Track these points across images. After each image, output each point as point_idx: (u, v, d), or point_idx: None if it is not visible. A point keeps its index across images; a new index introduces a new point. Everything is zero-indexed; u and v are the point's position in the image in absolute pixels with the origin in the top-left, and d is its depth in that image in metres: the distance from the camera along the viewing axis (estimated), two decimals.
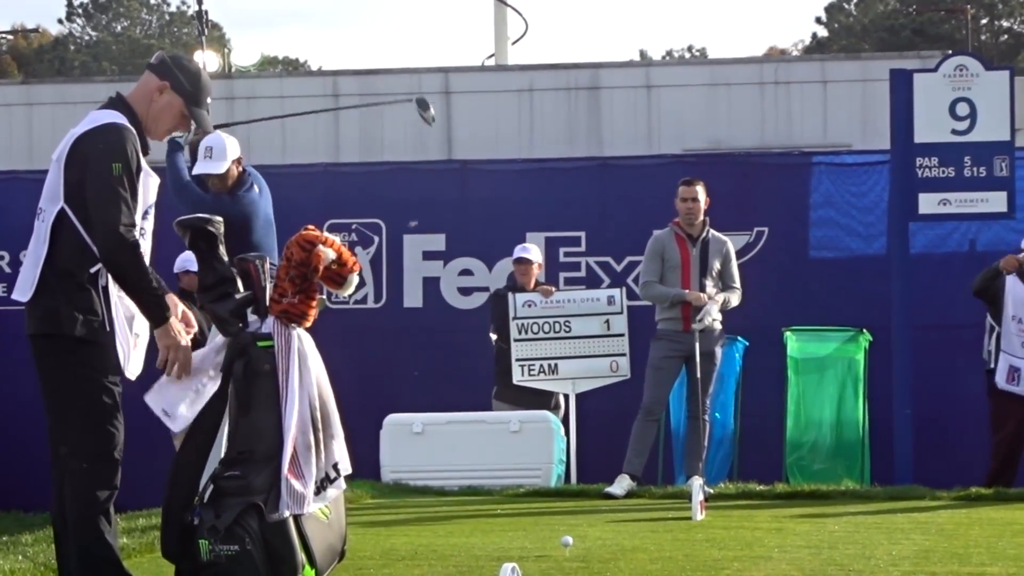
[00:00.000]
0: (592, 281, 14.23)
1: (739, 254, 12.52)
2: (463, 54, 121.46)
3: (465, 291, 14.55)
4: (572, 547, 7.94)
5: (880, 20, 65.56)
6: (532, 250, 13.28)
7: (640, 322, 12.65)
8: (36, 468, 8.75)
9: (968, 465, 12.56)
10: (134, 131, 6.24)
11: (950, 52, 16.15)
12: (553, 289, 13.17)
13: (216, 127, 9.27)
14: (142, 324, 6.30)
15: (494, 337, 13.15)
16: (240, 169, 9.67)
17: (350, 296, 9.28)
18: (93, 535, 6.13)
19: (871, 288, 13.52)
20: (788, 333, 13.59)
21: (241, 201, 9.53)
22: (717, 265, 11.69)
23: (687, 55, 75.75)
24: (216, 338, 6.68)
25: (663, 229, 11.83)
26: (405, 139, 25.23)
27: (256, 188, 9.66)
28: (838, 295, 13.99)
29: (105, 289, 6.19)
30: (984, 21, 67.32)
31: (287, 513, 6.29)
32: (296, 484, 6.30)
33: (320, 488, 6.41)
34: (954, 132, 12.56)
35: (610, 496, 11.16)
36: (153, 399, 6.36)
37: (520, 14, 28.94)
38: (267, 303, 6.52)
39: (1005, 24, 69.11)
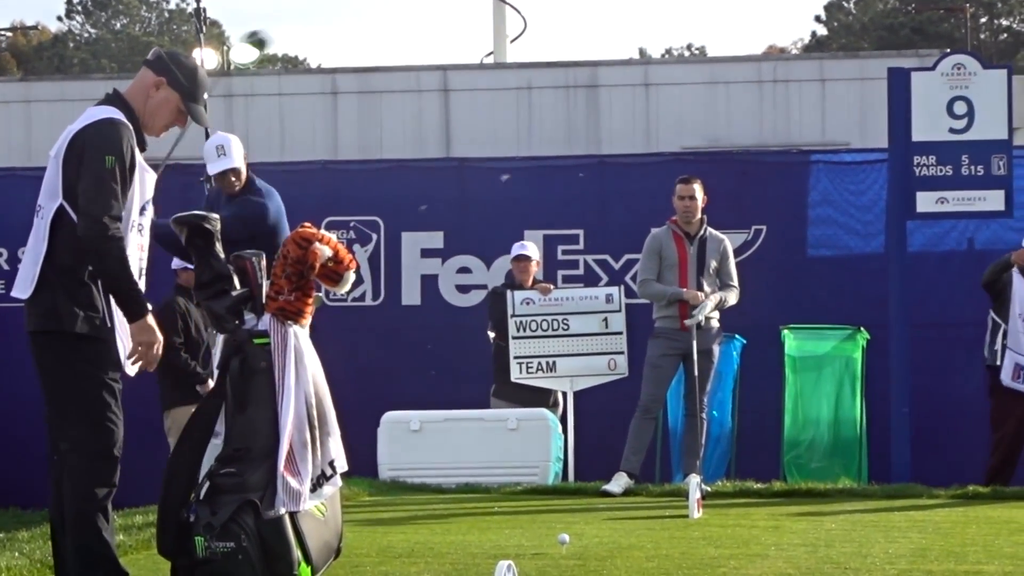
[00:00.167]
0: (590, 279, 14.22)
1: (737, 252, 12.52)
2: (462, 52, 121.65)
3: (463, 289, 14.54)
4: (569, 545, 7.95)
5: (879, 19, 65.54)
6: (530, 248, 13.26)
7: (638, 320, 12.66)
8: (34, 465, 8.74)
9: (965, 463, 12.54)
10: (131, 127, 6.25)
11: (948, 51, 16.11)
12: (551, 287, 13.16)
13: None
14: None
15: (492, 335, 13.13)
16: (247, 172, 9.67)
17: (347, 293, 9.28)
18: (91, 532, 6.14)
19: (869, 286, 13.51)
20: (786, 331, 13.58)
21: (273, 198, 9.46)
22: (714, 263, 11.70)
23: (686, 53, 75.70)
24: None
25: (661, 227, 11.84)
26: (403, 137, 25.22)
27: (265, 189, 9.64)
28: (836, 293, 13.98)
29: None
30: (983, 20, 67.32)
31: (283, 510, 6.29)
32: (292, 481, 6.30)
33: (316, 485, 6.41)
34: (952, 131, 12.54)
35: (607, 494, 11.16)
36: None
37: (519, 12, 28.91)
38: (263, 300, 6.52)
39: (1004, 23, 69.09)
